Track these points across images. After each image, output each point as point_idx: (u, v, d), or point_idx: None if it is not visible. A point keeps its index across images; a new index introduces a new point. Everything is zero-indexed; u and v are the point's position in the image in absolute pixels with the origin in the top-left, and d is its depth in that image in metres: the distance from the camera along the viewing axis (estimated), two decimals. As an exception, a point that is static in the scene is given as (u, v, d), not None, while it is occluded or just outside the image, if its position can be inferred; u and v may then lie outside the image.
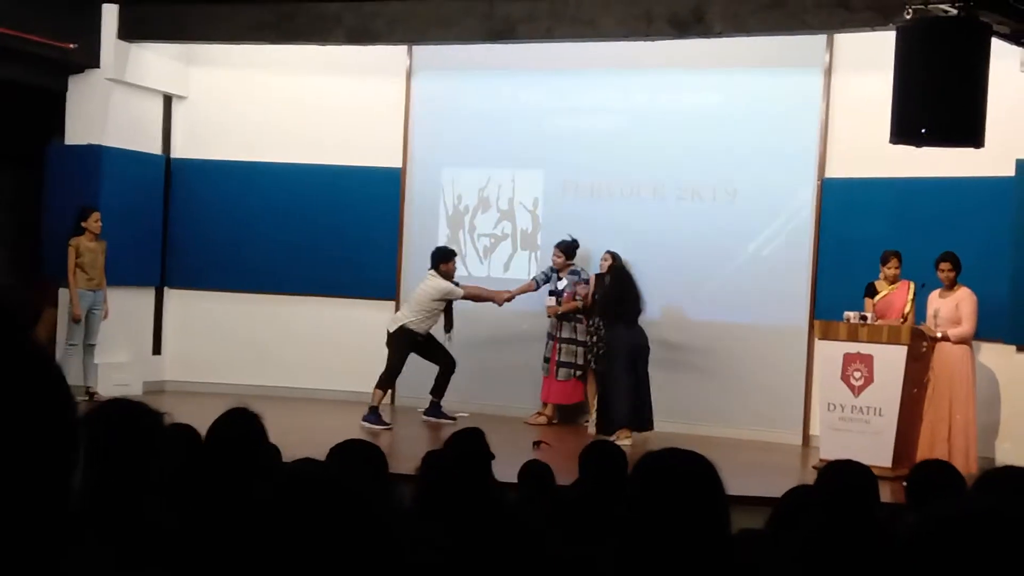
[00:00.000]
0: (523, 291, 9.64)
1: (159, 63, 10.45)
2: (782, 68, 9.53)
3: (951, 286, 7.96)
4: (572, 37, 9.13)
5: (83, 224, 9.52)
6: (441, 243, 10.07)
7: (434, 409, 9.44)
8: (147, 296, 10.71)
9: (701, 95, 9.78)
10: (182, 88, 10.75)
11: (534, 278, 9.82)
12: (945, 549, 1.70)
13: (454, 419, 9.16)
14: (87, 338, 9.63)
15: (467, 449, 4.20)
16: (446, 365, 9.42)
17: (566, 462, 7.12)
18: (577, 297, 9.56)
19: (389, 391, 9.51)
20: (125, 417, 2.63)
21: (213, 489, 3.15)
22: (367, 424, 8.84)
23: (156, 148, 10.68)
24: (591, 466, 4.30)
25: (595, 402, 9.14)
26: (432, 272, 9.33)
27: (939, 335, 7.81)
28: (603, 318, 9.02)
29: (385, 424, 8.93)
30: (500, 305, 9.52)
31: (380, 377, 9.17)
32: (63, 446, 1.45)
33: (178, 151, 10.83)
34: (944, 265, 7.94)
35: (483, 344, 10.12)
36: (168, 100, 10.75)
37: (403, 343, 9.21)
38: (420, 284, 9.39)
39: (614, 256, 9.12)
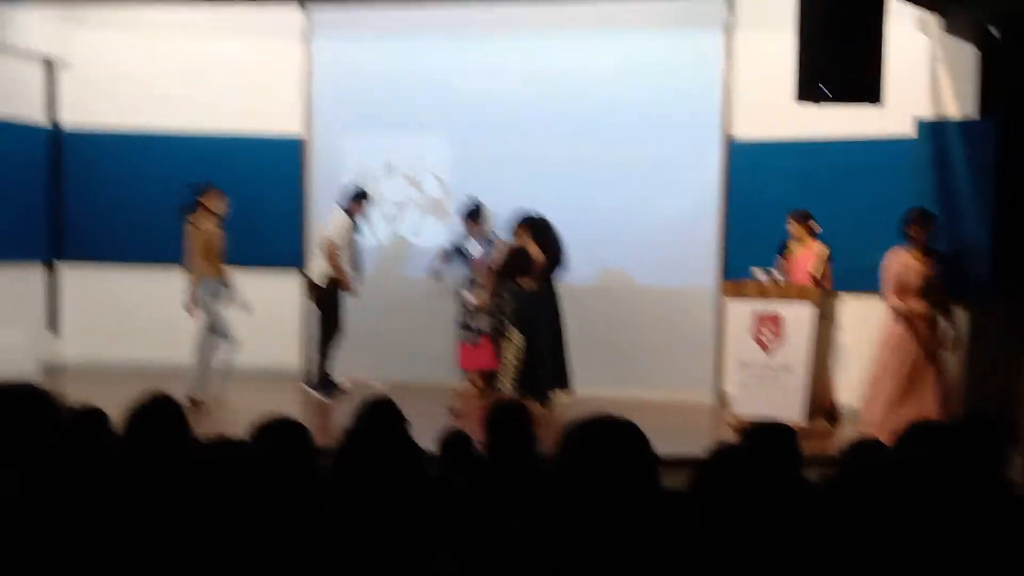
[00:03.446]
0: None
1: (39, 26, 9.93)
2: (683, 28, 9.57)
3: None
4: (474, -2, 9.02)
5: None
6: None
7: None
8: (33, 272, 10.30)
9: (603, 57, 9.78)
10: (65, 52, 10.26)
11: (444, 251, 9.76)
12: (856, 501, 1.74)
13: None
14: None
15: (380, 418, 4.11)
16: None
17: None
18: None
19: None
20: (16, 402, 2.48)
21: (131, 480, 3.02)
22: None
23: (38, 116, 10.20)
24: (498, 428, 4.24)
25: (510, 363, 9.06)
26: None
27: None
28: (546, 272, 8.86)
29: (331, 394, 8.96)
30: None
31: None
32: None
33: (66, 120, 10.40)
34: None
35: (395, 313, 10.03)
36: (50, 65, 10.27)
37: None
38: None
39: (530, 223, 8.97)
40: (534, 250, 8.84)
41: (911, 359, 7.56)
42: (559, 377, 8.83)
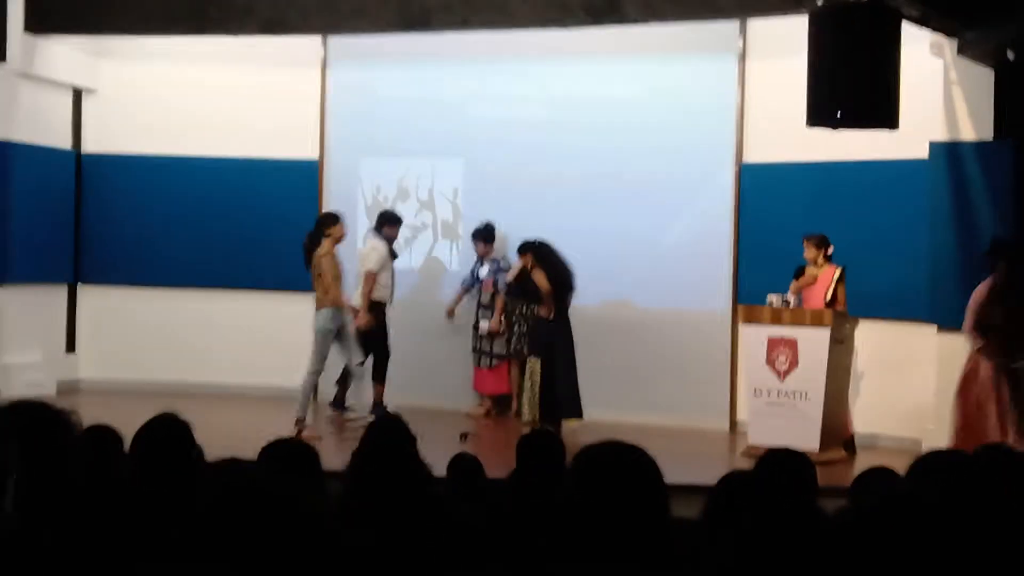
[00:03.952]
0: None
1: (68, 56, 10.24)
2: (697, 54, 9.58)
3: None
4: (487, 26, 9.13)
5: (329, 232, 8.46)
6: (361, 234, 9.99)
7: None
8: (58, 293, 10.47)
9: (618, 83, 9.80)
10: (92, 81, 10.56)
11: (462, 283, 9.82)
12: (870, 532, 1.81)
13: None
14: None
15: (389, 437, 4.10)
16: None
17: (493, 454, 7.08)
18: (500, 287, 9.53)
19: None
20: (30, 421, 2.48)
21: (138, 500, 3.02)
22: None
23: (66, 143, 10.48)
24: (529, 456, 4.22)
25: (530, 390, 9.01)
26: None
27: None
28: (556, 304, 8.81)
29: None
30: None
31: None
32: None
33: (89, 146, 10.64)
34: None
35: (409, 336, 10.03)
36: (78, 94, 10.55)
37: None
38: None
39: (532, 249, 8.94)
40: (540, 278, 8.79)
41: (977, 392, 7.46)
42: (571, 404, 8.77)
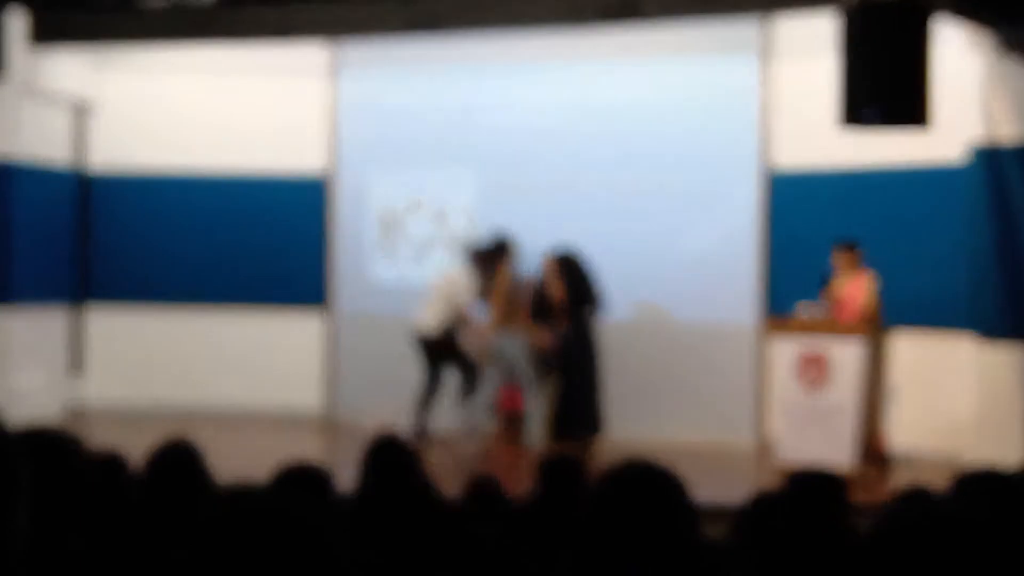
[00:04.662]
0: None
1: (72, 70, 10.12)
2: (717, 55, 9.36)
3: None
4: (499, 28, 8.95)
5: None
6: (372, 247, 9.78)
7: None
8: (58, 313, 10.29)
9: (636, 87, 9.57)
10: (96, 95, 10.44)
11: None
12: (902, 551, 1.73)
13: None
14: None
15: (386, 459, 3.97)
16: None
17: (513, 473, 6.87)
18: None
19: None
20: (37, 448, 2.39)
21: (147, 527, 2.93)
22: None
23: (70, 158, 10.36)
24: (547, 477, 4.06)
25: (544, 406, 8.78)
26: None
27: None
28: (572, 311, 8.62)
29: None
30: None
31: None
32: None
33: (94, 161, 10.53)
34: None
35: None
36: (82, 108, 10.45)
37: None
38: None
39: (560, 258, 8.72)
40: (556, 286, 8.57)
41: None
42: (593, 421, 8.53)
